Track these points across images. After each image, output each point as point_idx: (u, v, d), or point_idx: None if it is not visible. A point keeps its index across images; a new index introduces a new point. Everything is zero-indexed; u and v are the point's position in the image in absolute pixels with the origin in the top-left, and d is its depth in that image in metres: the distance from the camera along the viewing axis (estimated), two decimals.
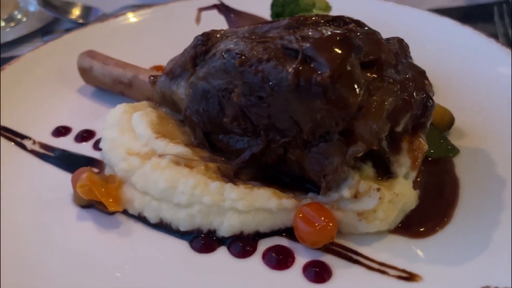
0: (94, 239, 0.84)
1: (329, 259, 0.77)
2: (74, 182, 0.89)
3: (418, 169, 0.83)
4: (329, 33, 0.77)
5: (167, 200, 0.83)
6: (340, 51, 0.72)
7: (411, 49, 0.84)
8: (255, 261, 0.79)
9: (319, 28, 0.81)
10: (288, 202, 0.80)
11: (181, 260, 0.80)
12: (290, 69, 0.74)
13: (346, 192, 0.78)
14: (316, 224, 0.76)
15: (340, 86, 0.71)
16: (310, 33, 0.79)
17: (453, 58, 1.21)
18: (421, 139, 0.82)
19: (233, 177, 0.86)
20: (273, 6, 1.23)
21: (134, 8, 1.68)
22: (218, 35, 0.91)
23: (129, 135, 0.94)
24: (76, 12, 1.75)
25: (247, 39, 0.84)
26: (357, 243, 0.80)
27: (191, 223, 0.82)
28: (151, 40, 1.39)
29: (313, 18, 0.84)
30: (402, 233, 0.81)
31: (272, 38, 0.81)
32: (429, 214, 0.83)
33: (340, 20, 0.83)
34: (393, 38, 0.84)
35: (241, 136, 0.85)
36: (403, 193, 0.79)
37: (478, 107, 1.06)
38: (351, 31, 0.78)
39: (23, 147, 1.06)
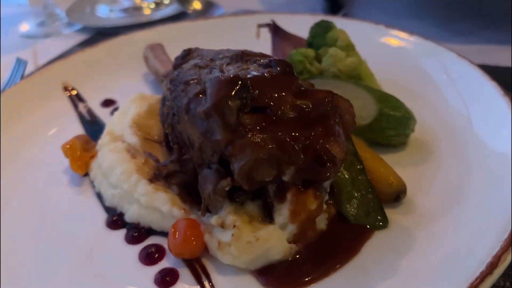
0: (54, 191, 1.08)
1: (185, 272, 0.85)
2: None
3: (303, 224, 0.83)
4: (235, 72, 0.82)
5: (106, 177, 1.02)
6: (223, 91, 0.78)
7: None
8: (135, 249, 0.91)
9: (245, 66, 0.86)
10: (177, 211, 0.90)
11: (93, 225, 0.97)
12: (189, 96, 0.83)
13: (213, 219, 0.84)
14: (178, 237, 0.85)
15: (212, 121, 0.78)
16: (234, 68, 0.86)
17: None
18: (310, 197, 0.81)
19: (161, 177, 0.99)
20: (309, 35, 1.26)
21: (248, 12, 1.85)
22: (195, 54, 1.03)
23: (121, 119, 1.15)
24: (197, 6, 2.00)
25: (203, 61, 0.94)
26: (217, 270, 0.85)
27: (112, 202, 0.99)
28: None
29: (252, 55, 0.90)
30: (260, 278, 0.82)
31: (215, 65, 0.90)
32: (293, 272, 0.82)
33: (271, 62, 0.86)
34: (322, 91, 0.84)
35: (172, 143, 0.97)
36: (266, 239, 0.81)
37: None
38: (254, 75, 0.81)
39: (75, 106, 1.36)
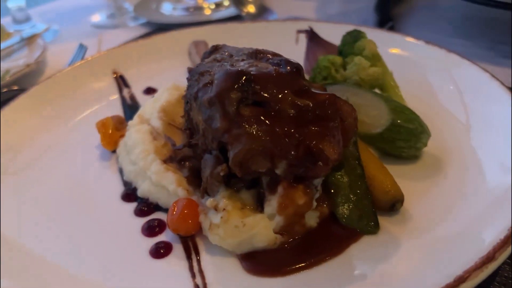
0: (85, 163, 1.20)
1: (178, 248, 0.92)
2: None
3: (290, 217, 0.86)
4: (243, 67, 0.88)
5: (128, 154, 1.11)
6: (227, 83, 0.84)
7: None
8: (141, 221, 0.99)
9: (256, 62, 0.92)
10: (181, 191, 0.97)
11: (109, 196, 1.07)
12: (199, 85, 0.90)
13: (209, 201, 0.90)
14: (176, 214, 0.92)
15: (214, 109, 0.84)
16: (245, 63, 0.92)
17: None
18: (299, 192, 0.85)
19: (175, 159, 1.06)
20: (340, 43, 1.29)
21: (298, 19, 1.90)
22: (221, 50, 1.09)
23: (153, 105, 1.24)
24: (251, 9, 2.08)
25: (222, 56, 1.01)
26: (207, 250, 0.90)
27: (129, 177, 1.08)
28: None
29: (266, 53, 0.95)
30: (243, 263, 0.87)
31: (230, 60, 0.97)
32: (275, 261, 0.86)
33: (280, 61, 0.91)
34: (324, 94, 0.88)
35: (185, 129, 1.05)
36: (252, 226, 0.85)
37: None
38: (259, 71, 0.86)
39: (120, 90, 1.49)
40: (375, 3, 1.98)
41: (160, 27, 2.11)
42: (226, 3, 2.25)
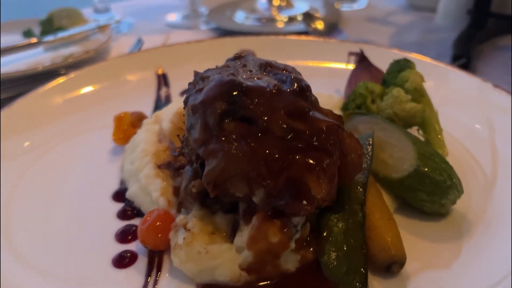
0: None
1: (143, 261, 0.84)
2: None
3: (261, 255, 0.75)
4: (243, 77, 0.79)
5: (132, 151, 1.06)
6: (214, 91, 0.75)
7: None
8: (121, 224, 0.94)
9: (260, 75, 0.82)
10: (162, 200, 0.90)
11: (102, 191, 1.03)
12: (193, 90, 0.83)
13: (179, 218, 0.81)
14: (146, 224, 0.84)
15: (196, 118, 0.76)
16: (249, 74, 0.83)
17: None
18: (273, 228, 0.73)
19: (172, 166, 1.00)
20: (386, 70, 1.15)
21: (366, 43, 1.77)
22: (243, 59, 1.01)
23: (172, 107, 1.20)
24: (319, 26, 1.98)
25: (235, 64, 0.93)
26: (170, 270, 0.82)
27: (125, 176, 1.04)
28: None
29: (277, 67, 0.85)
30: None
31: (237, 70, 0.88)
32: None
33: (287, 78, 0.80)
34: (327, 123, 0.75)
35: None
36: (216, 255, 0.75)
37: None
38: (255, 84, 0.76)
39: (159, 88, 1.46)
40: (455, 37, 1.78)
41: (227, 34, 2.09)
42: (300, 17, 2.16)
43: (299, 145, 0.73)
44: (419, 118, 1.00)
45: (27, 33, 1.99)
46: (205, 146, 0.74)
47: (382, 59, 1.32)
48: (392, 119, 1.00)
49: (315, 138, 0.73)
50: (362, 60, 1.26)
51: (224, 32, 2.09)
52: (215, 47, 1.58)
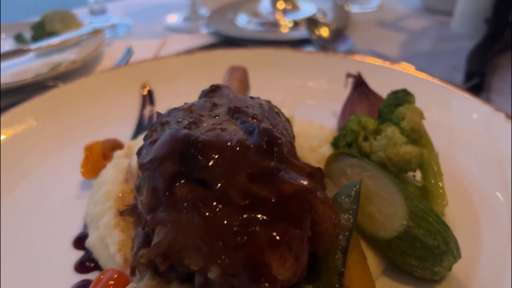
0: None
1: None
2: None
3: None
4: (205, 128, 0.68)
5: (97, 190, 0.97)
6: (166, 148, 0.65)
7: None
8: (77, 277, 0.85)
9: (225, 124, 0.71)
10: (119, 258, 0.80)
11: (63, 235, 0.94)
12: (148, 140, 0.73)
13: (130, 285, 0.72)
14: (98, 286, 0.75)
15: (145, 178, 0.66)
16: (211, 123, 0.72)
17: None
18: None
19: (132, 211, 0.89)
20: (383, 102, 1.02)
21: (353, 56, 1.64)
22: (219, 92, 0.90)
23: None
24: (324, 33, 1.85)
25: (201, 105, 0.82)
26: None
27: (87, 219, 0.94)
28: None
29: (246, 114, 0.74)
30: None
31: (201, 115, 0.77)
32: None
33: (254, 130, 0.69)
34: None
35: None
36: None
37: None
38: (212, 139, 0.65)
39: (143, 107, 1.36)
40: (470, 49, 1.63)
41: (227, 39, 1.98)
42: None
43: (262, 215, 0.62)
44: (415, 165, 0.88)
45: (18, 38, 1.91)
46: (153, 213, 0.64)
47: (384, 79, 1.20)
48: (384, 164, 0.88)
49: (281, 206, 0.62)
50: (359, 85, 1.14)
51: (225, 38, 1.98)
52: (205, 61, 1.47)
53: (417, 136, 0.90)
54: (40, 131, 1.20)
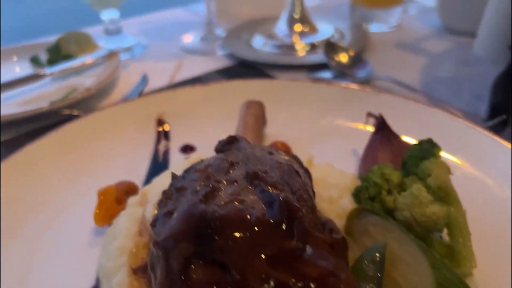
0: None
1: None
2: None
3: None
4: (223, 200, 0.65)
5: (110, 241, 0.94)
6: (182, 227, 0.62)
7: None
8: None
9: (243, 195, 0.68)
10: None
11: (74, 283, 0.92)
12: (163, 209, 0.70)
13: None
14: None
15: (158, 257, 0.63)
16: (229, 193, 0.69)
17: None
18: None
19: (145, 269, 0.86)
20: (407, 152, 0.98)
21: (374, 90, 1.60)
22: (236, 145, 0.87)
23: (165, 181, 1.06)
24: (343, 58, 1.80)
25: (217, 165, 0.79)
26: None
27: (99, 273, 0.91)
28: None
29: (265, 180, 0.70)
30: None
31: (218, 179, 0.74)
32: None
33: (273, 202, 0.66)
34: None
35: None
36: None
37: None
38: (231, 216, 0.62)
39: (158, 141, 1.34)
40: (494, 77, 1.57)
41: (243, 62, 1.95)
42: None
43: None
44: (442, 225, 0.83)
45: (34, 61, 1.91)
46: None
47: (405, 116, 1.17)
48: (410, 224, 0.84)
49: None
50: (381, 127, 1.10)
51: (240, 61, 1.95)
52: (222, 92, 1.45)
53: (444, 194, 0.85)
54: (50, 171, 1.17)
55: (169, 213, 0.67)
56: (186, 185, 0.72)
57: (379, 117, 1.11)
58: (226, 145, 0.86)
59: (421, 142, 0.94)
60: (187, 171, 0.77)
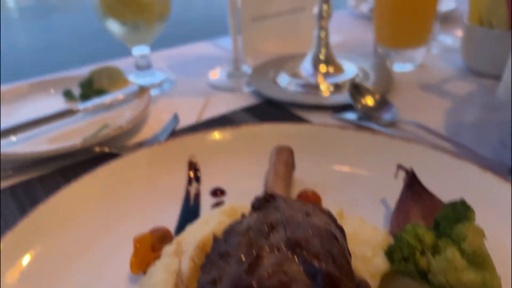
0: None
1: None
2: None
3: None
4: (265, 271, 0.67)
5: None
6: None
7: None
8: None
9: (286, 265, 0.70)
10: None
11: None
12: (207, 276, 0.72)
13: None
14: None
15: None
16: (273, 262, 0.71)
17: None
18: None
19: None
20: (439, 213, 0.99)
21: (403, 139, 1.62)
22: (274, 205, 0.90)
23: (199, 229, 1.09)
24: (369, 101, 1.83)
25: (259, 226, 0.81)
26: None
27: None
28: None
29: (307, 249, 0.73)
30: None
31: (262, 243, 0.76)
32: None
33: (317, 274, 0.68)
34: None
35: None
36: None
37: None
38: None
39: (189, 183, 1.37)
40: None
41: (268, 100, 1.99)
42: (347, 87, 2.02)
43: None
44: None
45: (67, 94, 1.97)
46: None
47: (435, 167, 1.19)
48: None
49: None
50: (412, 183, 1.11)
51: (266, 99, 1.99)
52: (251, 136, 1.48)
53: (479, 260, 0.86)
54: (86, 216, 1.21)
55: (214, 282, 0.69)
56: (229, 250, 0.74)
57: (410, 172, 1.12)
58: (264, 203, 0.89)
59: (454, 204, 0.95)
60: (228, 233, 0.80)
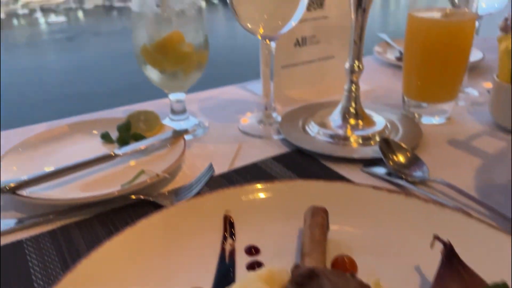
0: None
1: None
2: None
3: None
4: None
5: None
6: None
7: None
8: None
9: None
10: None
11: None
12: None
13: None
14: None
15: None
16: None
17: None
18: None
19: None
20: None
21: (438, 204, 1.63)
22: (316, 282, 0.93)
23: None
24: (402, 158, 1.85)
25: None
26: None
27: None
28: None
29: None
30: None
31: None
32: None
33: None
34: None
35: None
36: None
37: None
38: None
39: (224, 240, 1.40)
40: None
41: (298, 149, 2.03)
42: (377, 138, 2.06)
43: None
44: None
45: (105, 137, 2.04)
46: None
47: (472, 237, 1.20)
48: None
49: None
50: (450, 257, 1.13)
51: (295, 148, 2.03)
52: (284, 191, 1.51)
53: None
54: (125, 273, 1.23)
55: None
56: None
57: (448, 245, 1.14)
58: (308, 279, 0.91)
59: (496, 286, 0.96)
60: None
